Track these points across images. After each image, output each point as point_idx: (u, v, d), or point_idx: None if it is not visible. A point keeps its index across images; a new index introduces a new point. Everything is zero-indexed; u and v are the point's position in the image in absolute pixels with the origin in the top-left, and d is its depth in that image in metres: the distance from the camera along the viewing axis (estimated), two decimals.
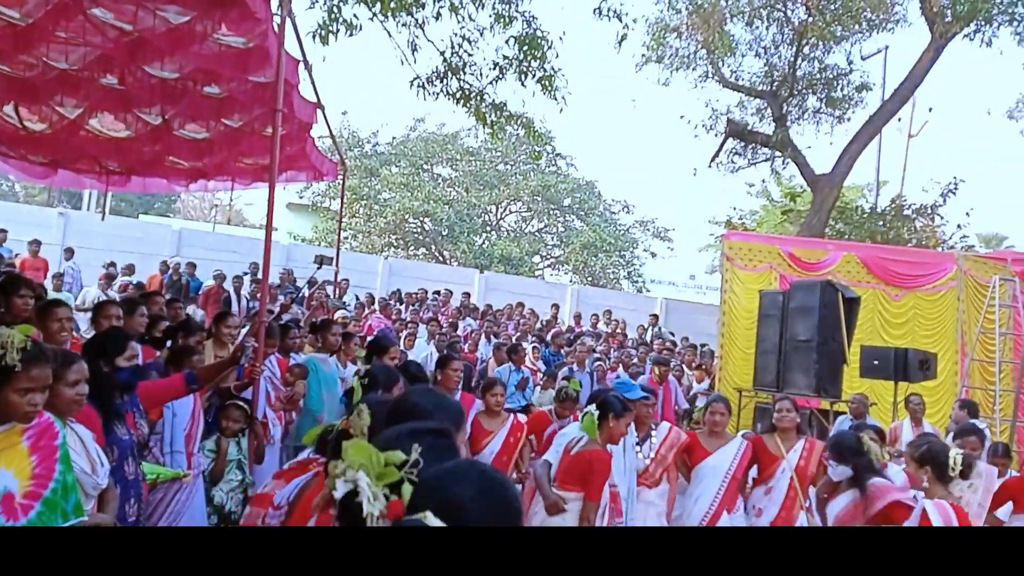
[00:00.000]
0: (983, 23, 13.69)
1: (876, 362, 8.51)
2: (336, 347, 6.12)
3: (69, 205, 23.57)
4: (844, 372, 8.80)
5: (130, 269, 13.13)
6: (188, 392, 4.03)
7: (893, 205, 17.00)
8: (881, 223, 16.14)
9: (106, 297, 9.67)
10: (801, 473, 5.29)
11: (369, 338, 7.06)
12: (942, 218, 16.76)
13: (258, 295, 7.53)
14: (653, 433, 5.48)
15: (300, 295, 11.37)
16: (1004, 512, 5.03)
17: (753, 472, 5.55)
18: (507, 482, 1.47)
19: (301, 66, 6.01)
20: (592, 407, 4.72)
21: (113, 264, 12.85)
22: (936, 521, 3.46)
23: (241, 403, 4.71)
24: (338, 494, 1.49)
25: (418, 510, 1.30)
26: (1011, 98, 24.20)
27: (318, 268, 10.09)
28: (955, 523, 3.46)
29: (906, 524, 3.69)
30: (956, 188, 16.20)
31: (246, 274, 12.52)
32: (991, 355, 10.49)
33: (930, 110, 20.92)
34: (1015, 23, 13.72)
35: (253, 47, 5.27)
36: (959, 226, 16.84)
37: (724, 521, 5.21)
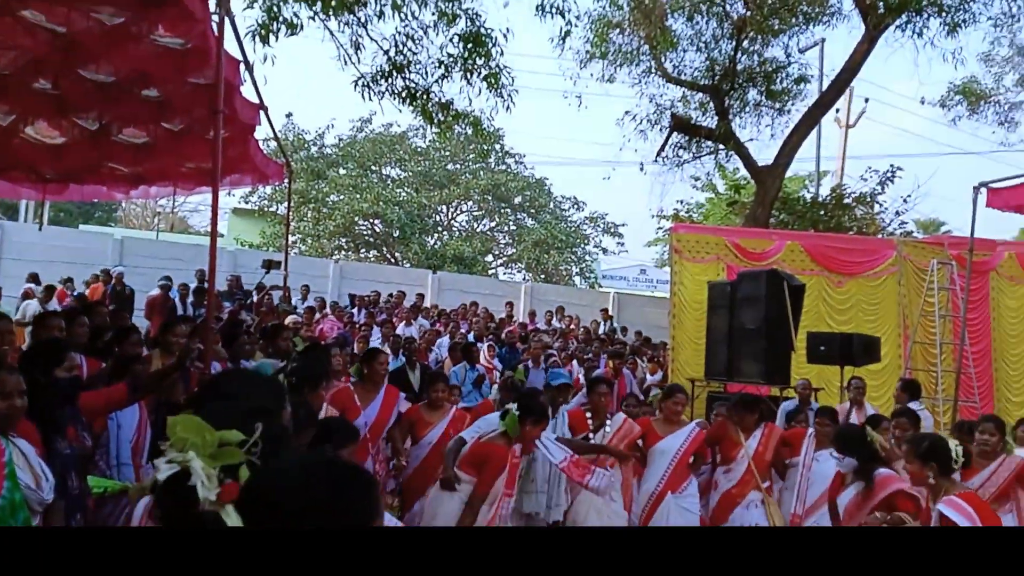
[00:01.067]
0: (914, 14, 14.10)
1: (822, 348, 8.72)
2: (288, 352, 6.06)
3: (5, 216, 22.77)
4: (792, 359, 9.00)
5: (68, 281, 12.75)
6: (132, 401, 3.93)
7: (834, 194, 17.42)
8: (823, 212, 16.52)
9: (44, 310, 9.38)
10: (759, 458, 5.64)
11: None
12: (881, 205, 17.24)
13: (204, 303, 7.39)
14: (608, 424, 5.67)
15: (248, 301, 11.18)
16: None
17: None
18: (346, 475, 1.27)
19: (242, 66, 5.91)
20: (514, 405, 4.84)
21: (35, 278, 12.40)
22: (960, 523, 3.40)
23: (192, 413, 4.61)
24: (161, 476, 1.33)
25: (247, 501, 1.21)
26: (942, 87, 25.07)
27: (266, 273, 9.95)
28: (977, 519, 3.40)
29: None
30: (893, 176, 16.66)
31: (191, 283, 12.25)
32: (932, 337, 10.86)
33: (866, 101, 21.39)
34: (944, 14, 14.17)
35: (191, 48, 5.16)
36: (897, 213, 17.31)
37: (669, 501, 5.47)
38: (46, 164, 7.86)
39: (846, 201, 16.97)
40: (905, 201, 17.19)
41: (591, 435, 5.61)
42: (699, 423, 6.08)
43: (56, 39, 4.96)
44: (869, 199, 17.00)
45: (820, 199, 17.69)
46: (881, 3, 13.87)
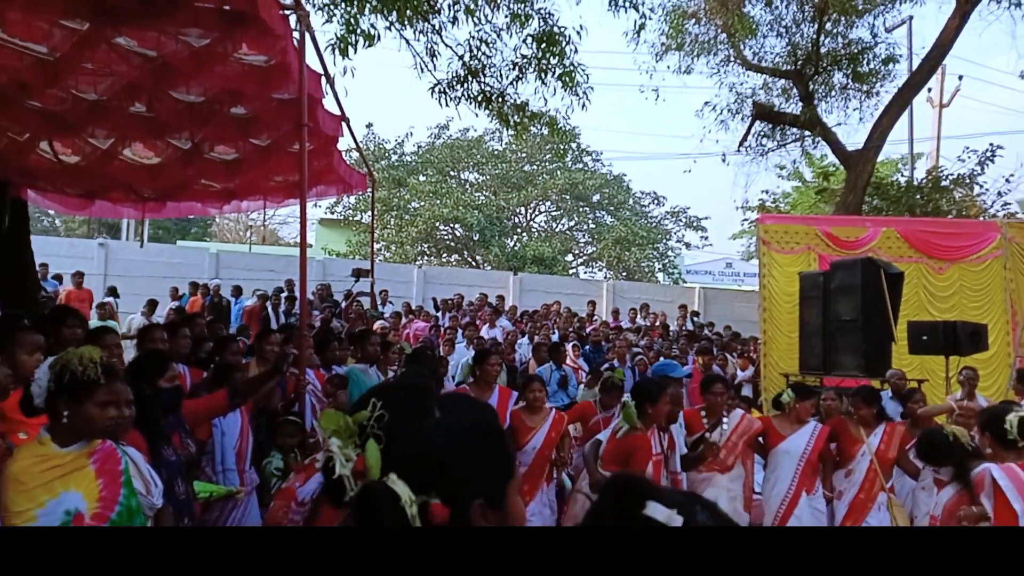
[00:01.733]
0: None
1: (924, 337, 8.30)
2: (376, 357, 6.16)
3: (108, 236, 24.09)
4: (892, 350, 8.60)
5: (175, 293, 13.39)
6: (232, 407, 4.07)
7: (930, 177, 16.59)
8: (918, 196, 15.75)
9: (149, 323, 9.85)
10: (881, 456, 5.45)
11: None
12: (981, 187, 16.31)
13: (295, 312, 7.60)
14: (725, 420, 5.58)
15: (338, 309, 11.47)
16: None
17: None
18: (486, 426, 1.46)
19: (323, 80, 6.05)
20: (628, 397, 4.94)
21: (113, 291, 13.05)
22: (1003, 484, 3.43)
23: (294, 418, 4.75)
24: (319, 465, 1.51)
25: (390, 470, 1.30)
26: None
27: (356, 281, 10.17)
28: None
29: (982, 495, 3.64)
30: (993, 155, 15.75)
31: (282, 291, 12.66)
32: None
33: (960, 78, 20.29)
34: None
35: (274, 64, 5.32)
36: (999, 193, 16.33)
37: (803, 502, 5.36)
38: (144, 183, 8.25)
39: (943, 183, 16.13)
40: (1008, 181, 16.21)
41: (707, 434, 5.53)
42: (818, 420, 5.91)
43: (148, 63, 5.20)
44: (968, 180, 16.10)
45: (915, 183, 16.89)
46: None
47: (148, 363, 3.65)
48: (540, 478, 5.30)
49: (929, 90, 18.86)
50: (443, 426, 1.41)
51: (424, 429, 1.41)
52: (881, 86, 15.96)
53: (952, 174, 16.48)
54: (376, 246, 24.22)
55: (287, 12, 4.86)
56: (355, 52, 7.99)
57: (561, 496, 5.87)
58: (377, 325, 9.53)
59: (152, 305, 12.10)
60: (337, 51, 7.90)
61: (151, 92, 5.71)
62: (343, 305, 11.62)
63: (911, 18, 18.02)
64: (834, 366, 8.75)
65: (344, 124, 6.96)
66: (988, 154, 15.81)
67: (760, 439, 5.66)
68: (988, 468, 3.56)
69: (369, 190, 10.71)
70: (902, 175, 19.61)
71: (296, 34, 5.11)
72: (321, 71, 6.02)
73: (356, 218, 25.08)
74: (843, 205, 14.42)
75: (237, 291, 13.59)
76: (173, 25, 4.70)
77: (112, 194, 8.77)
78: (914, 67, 15.76)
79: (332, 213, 26.17)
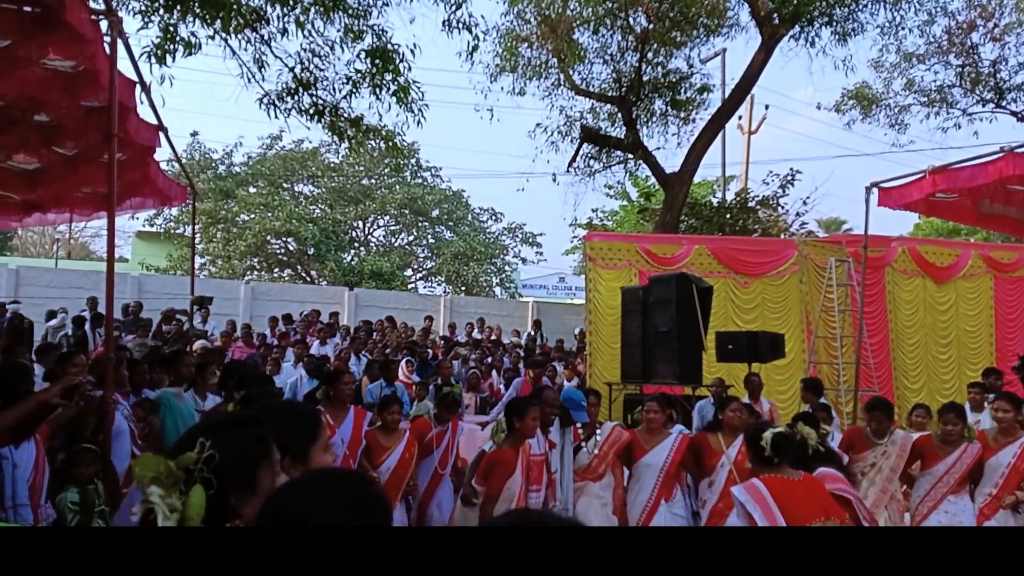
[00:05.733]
0: (806, 24, 14.83)
1: (731, 346, 9.04)
2: (190, 379, 5.88)
3: None
4: (703, 358, 9.29)
5: None
6: (14, 438, 3.76)
7: (738, 199, 18.09)
8: (728, 216, 17.14)
9: None
10: (739, 466, 5.64)
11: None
12: (783, 208, 18.00)
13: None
14: (598, 432, 5.92)
15: (152, 328, 10.79)
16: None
17: None
18: (361, 486, 1.37)
19: (138, 88, 5.75)
20: (501, 416, 5.27)
21: None
22: (747, 502, 3.61)
23: (92, 446, 4.45)
24: (135, 519, 1.37)
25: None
26: (836, 93, 26.37)
27: (198, 309, 9.66)
28: (768, 498, 3.58)
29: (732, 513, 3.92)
30: (793, 179, 17.44)
31: (84, 310, 11.68)
32: (833, 331, 11.40)
33: (767, 108, 22.43)
34: (834, 24, 14.95)
35: (83, 70, 5.01)
36: (798, 214, 18.13)
37: (663, 510, 5.70)
38: None
39: (750, 204, 17.64)
40: (804, 203, 18.02)
41: (583, 444, 5.88)
42: (681, 430, 6.23)
43: None
44: (772, 202, 17.73)
45: (726, 203, 18.33)
46: (775, 15, 14.53)
47: None
48: (395, 498, 5.42)
49: (739, 118, 20.57)
50: (304, 487, 1.33)
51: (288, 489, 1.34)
52: (697, 113, 17.21)
53: (758, 196, 18.08)
54: (200, 260, 23.04)
55: (97, 17, 4.60)
56: (173, 60, 7.65)
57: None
58: (197, 345, 9.09)
59: None
60: (154, 59, 7.52)
61: None
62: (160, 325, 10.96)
63: (724, 51, 19.53)
64: (653, 374, 9.34)
65: (161, 134, 6.63)
66: (789, 178, 17.50)
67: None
68: (732, 490, 3.77)
69: (189, 202, 10.22)
70: (715, 196, 21.21)
71: (108, 39, 4.84)
72: (136, 79, 5.73)
73: (178, 231, 23.69)
74: (662, 224, 15.41)
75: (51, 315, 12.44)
76: None
77: None
78: (726, 96, 17.15)
79: (151, 226, 24.56)
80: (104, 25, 4.73)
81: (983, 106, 19.53)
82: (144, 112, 6.10)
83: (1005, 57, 18.36)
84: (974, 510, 5.44)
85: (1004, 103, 19.16)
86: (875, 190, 8.44)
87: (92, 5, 4.54)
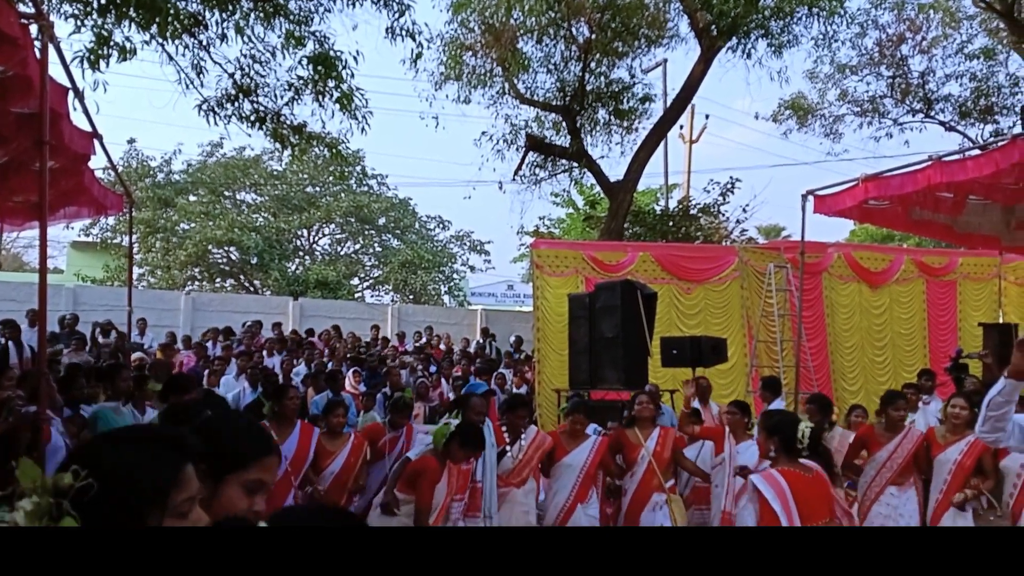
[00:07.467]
0: (743, 36, 15.20)
1: (675, 351, 9.17)
2: (128, 392, 5.74)
3: None
4: (648, 363, 9.41)
5: None
6: None
7: (680, 206, 18.42)
8: (671, 223, 17.43)
9: None
10: (658, 457, 5.95)
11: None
12: (723, 215, 18.39)
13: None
14: (523, 436, 5.91)
15: (88, 341, 10.45)
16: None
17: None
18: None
19: (71, 94, 5.59)
20: (452, 420, 5.22)
21: None
22: (766, 493, 3.78)
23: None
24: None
25: None
26: (774, 103, 27.09)
27: (103, 337, 9.43)
28: (787, 492, 3.75)
29: (745, 498, 4.03)
30: (733, 187, 17.84)
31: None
32: (773, 335, 11.68)
33: (707, 117, 22.87)
34: (769, 36, 15.36)
35: (12, 76, 4.85)
36: (738, 221, 18.53)
37: (578, 511, 5.77)
38: None
39: (692, 212, 17.98)
40: (744, 210, 18.44)
41: (508, 448, 5.91)
42: (599, 431, 6.34)
43: None
44: (713, 209, 18.09)
45: (669, 211, 18.64)
46: (713, 27, 14.86)
47: None
48: (340, 503, 5.44)
49: (681, 127, 20.96)
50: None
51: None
52: (639, 122, 17.44)
53: (699, 204, 18.43)
54: (139, 271, 22.40)
55: (27, 21, 4.46)
56: (107, 66, 7.45)
57: None
58: (135, 357, 8.85)
59: None
60: (87, 63, 7.31)
61: None
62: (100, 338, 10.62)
63: (665, 61, 19.87)
64: (600, 380, 9.41)
65: (96, 141, 6.45)
66: (728, 186, 17.88)
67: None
68: (752, 479, 3.93)
69: (126, 211, 9.95)
70: (658, 204, 21.55)
71: (38, 44, 4.70)
72: (68, 84, 5.57)
73: (115, 241, 22.98)
74: (607, 231, 15.58)
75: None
76: None
77: None
78: (667, 106, 17.45)
79: (87, 236, 23.78)
80: (34, 29, 4.60)
81: (913, 116, 20.32)
82: (78, 119, 5.95)
83: (932, 69, 19.17)
84: (917, 507, 5.62)
85: (932, 113, 19.96)
86: (811, 198, 8.68)
87: (22, 8, 4.40)
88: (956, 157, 6.85)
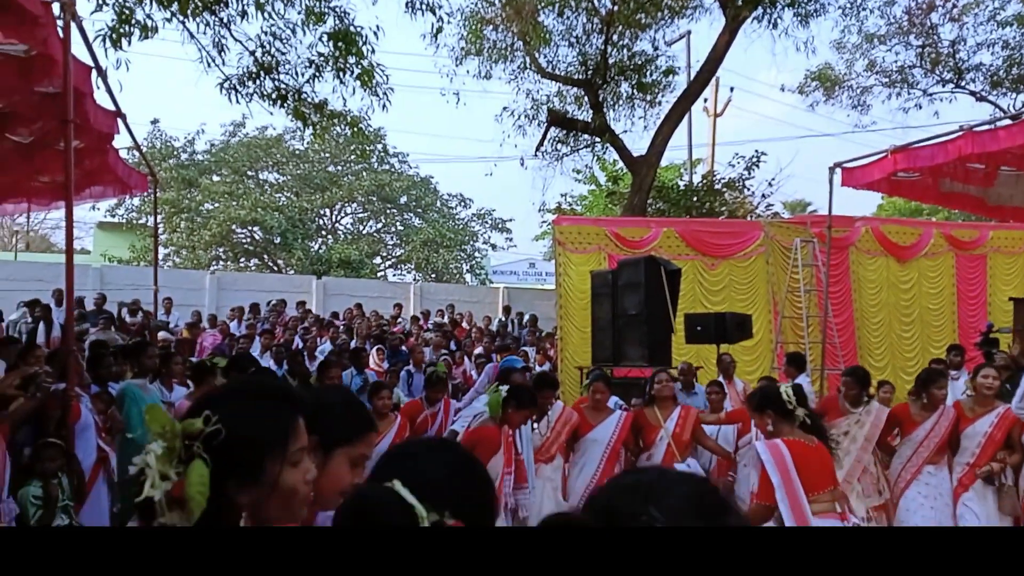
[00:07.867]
0: (768, 6, 14.89)
1: (699, 328, 9.11)
2: (155, 370, 5.80)
3: None
4: (672, 340, 9.35)
5: None
6: None
7: (705, 181, 18.20)
8: (695, 199, 17.23)
9: None
10: (677, 438, 5.84)
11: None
12: (749, 189, 18.15)
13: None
14: (549, 412, 5.84)
15: (116, 320, 10.58)
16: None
17: None
18: (480, 464, 1.40)
19: (94, 73, 5.60)
20: (503, 386, 5.10)
21: None
22: (766, 462, 3.71)
23: (56, 440, 4.35)
24: (132, 470, 1.27)
25: (382, 480, 1.19)
26: (800, 75, 26.65)
27: (130, 316, 9.52)
28: (788, 461, 3.68)
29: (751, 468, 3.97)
30: (758, 161, 17.57)
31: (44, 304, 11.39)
32: (799, 311, 11.53)
33: (731, 90, 22.47)
34: (796, 5, 15.04)
35: (36, 55, 4.87)
36: (763, 195, 18.28)
37: None
38: None
39: (716, 187, 17.76)
40: (770, 184, 18.17)
41: (534, 424, 5.79)
42: (620, 405, 6.29)
43: None
44: (738, 184, 17.86)
45: (693, 186, 18.43)
46: None
47: None
48: None
49: (705, 100, 20.64)
50: (437, 450, 1.36)
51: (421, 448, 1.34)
52: (663, 96, 17.19)
53: (724, 178, 18.20)
54: (165, 251, 22.64)
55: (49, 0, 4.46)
56: (129, 44, 7.46)
57: None
58: (161, 336, 8.95)
59: None
60: (109, 42, 7.32)
61: None
62: (127, 317, 10.77)
63: (689, 33, 19.49)
64: (622, 357, 9.37)
65: (120, 120, 6.47)
66: (754, 160, 17.62)
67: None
68: (755, 445, 3.89)
69: (151, 191, 10.02)
70: (681, 179, 21.32)
71: (61, 23, 4.70)
72: (91, 64, 5.58)
73: (141, 221, 23.22)
74: (630, 207, 15.44)
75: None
76: None
77: None
78: (691, 79, 17.19)
79: (113, 216, 24.07)
80: (56, 8, 4.60)
81: (943, 86, 19.87)
82: (101, 98, 5.97)
83: (963, 37, 18.70)
84: (952, 483, 5.54)
85: (963, 83, 19.50)
86: (838, 170, 8.53)
87: None
88: (987, 127, 6.68)
